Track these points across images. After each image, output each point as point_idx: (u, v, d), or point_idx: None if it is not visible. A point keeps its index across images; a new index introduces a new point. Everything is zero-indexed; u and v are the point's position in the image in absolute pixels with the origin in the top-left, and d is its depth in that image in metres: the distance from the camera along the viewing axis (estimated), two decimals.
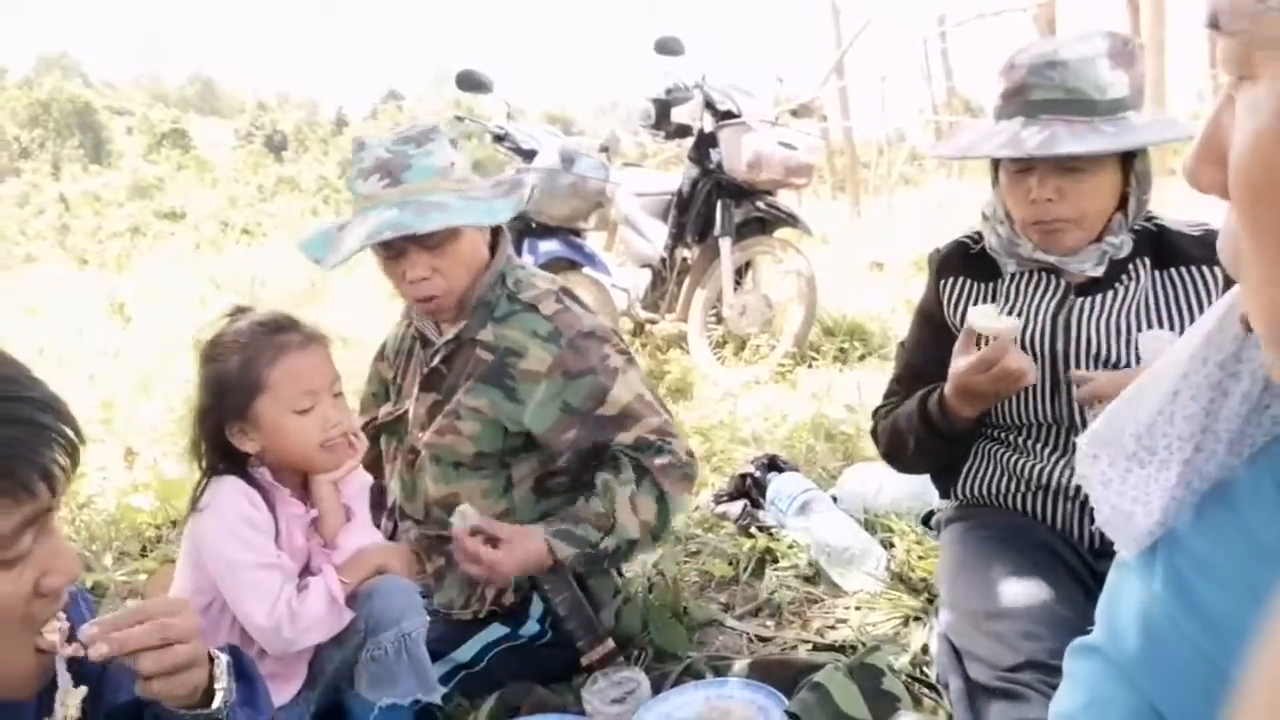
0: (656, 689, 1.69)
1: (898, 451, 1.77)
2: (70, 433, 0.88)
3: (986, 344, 1.51)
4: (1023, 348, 1.60)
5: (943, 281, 1.75)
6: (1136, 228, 1.60)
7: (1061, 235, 1.57)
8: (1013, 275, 1.68)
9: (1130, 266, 1.60)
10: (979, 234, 1.74)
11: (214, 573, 1.50)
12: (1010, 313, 1.64)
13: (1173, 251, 1.59)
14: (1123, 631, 0.69)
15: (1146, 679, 0.66)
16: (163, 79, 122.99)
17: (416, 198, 1.69)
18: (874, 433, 1.83)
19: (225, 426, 1.53)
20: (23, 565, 0.86)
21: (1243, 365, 0.64)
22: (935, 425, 1.64)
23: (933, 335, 1.76)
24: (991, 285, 1.70)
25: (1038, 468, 1.62)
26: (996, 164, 1.64)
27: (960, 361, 1.55)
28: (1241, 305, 0.59)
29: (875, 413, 1.84)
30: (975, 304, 1.68)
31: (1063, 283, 1.63)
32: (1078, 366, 1.58)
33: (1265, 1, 0.35)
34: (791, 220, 4.37)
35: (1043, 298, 1.64)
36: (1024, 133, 1.49)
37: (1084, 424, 1.58)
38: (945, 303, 1.74)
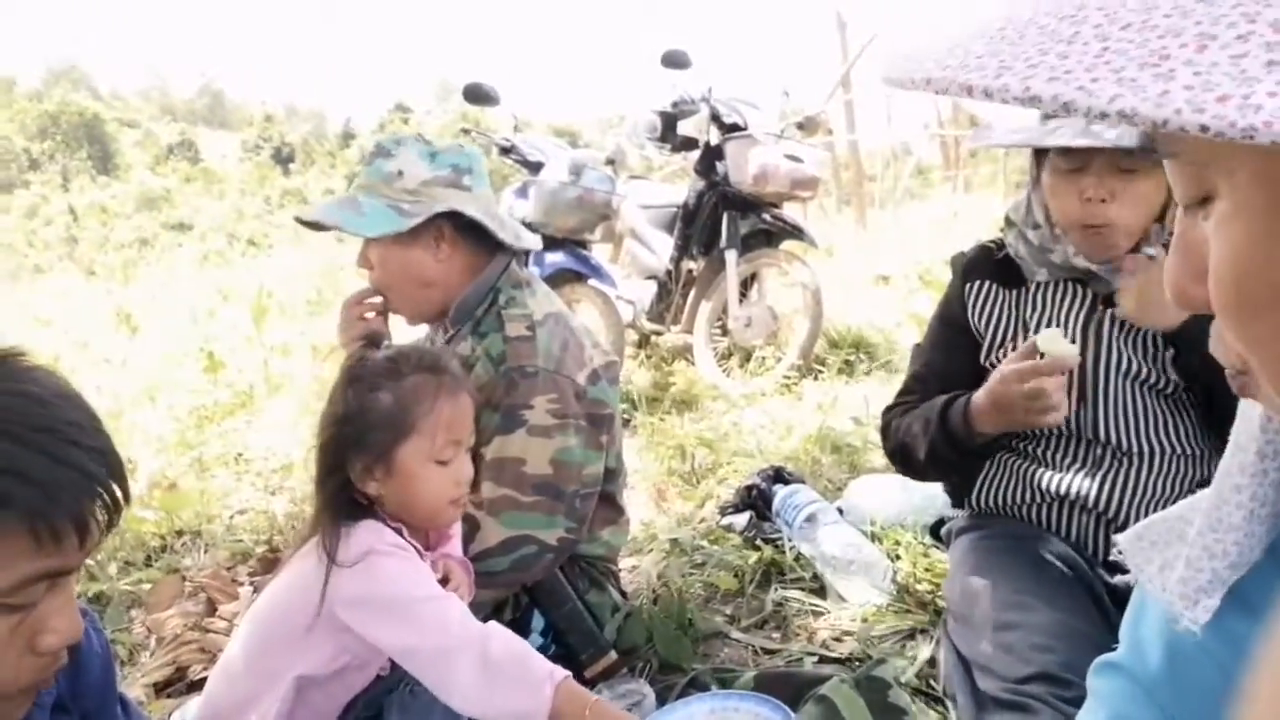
0: (661, 701, 1.68)
1: (908, 454, 1.71)
2: (118, 491, 0.85)
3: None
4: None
5: (968, 285, 1.73)
6: (1165, 240, 1.60)
7: (1106, 238, 1.54)
8: (1040, 284, 1.66)
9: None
10: (998, 241, 1.73)
11: (380, 621, 1.34)
12: (1038, 321, 1.64)
13: None
14: (1146, 649, 0.68)
15: (1169, 697, 0.66)
16: (171, 91, 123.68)
17: (354, 194, 1.82)
18: (884, 430, 1.78)
19: (350, 462, 1.38)
20: (25, 615, 0.83)
21: None
22: (954, 433, 1.60)
23: (954, 338, 1.74)
24: (1017, 292, 1.69)
25: (1056, 479, 1.61)
26: (1039, 163, 1.62)
27: (1004, 368, 1.52)
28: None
29: (887, 410, 1.79)
30: (1003, 308, 1.68)
31: (1090, 293, 1.62)
32: (1105, 378, 1.58)
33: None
34: (797, 233, 4.36)
35: (1071, 306, 1.63)
36: (1094, 127, 1.44)
37: (1106, 437, 1.57)
38: (969, 306, 1.72)
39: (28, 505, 0.78)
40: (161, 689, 1.93)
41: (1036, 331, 1.60)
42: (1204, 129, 0.32)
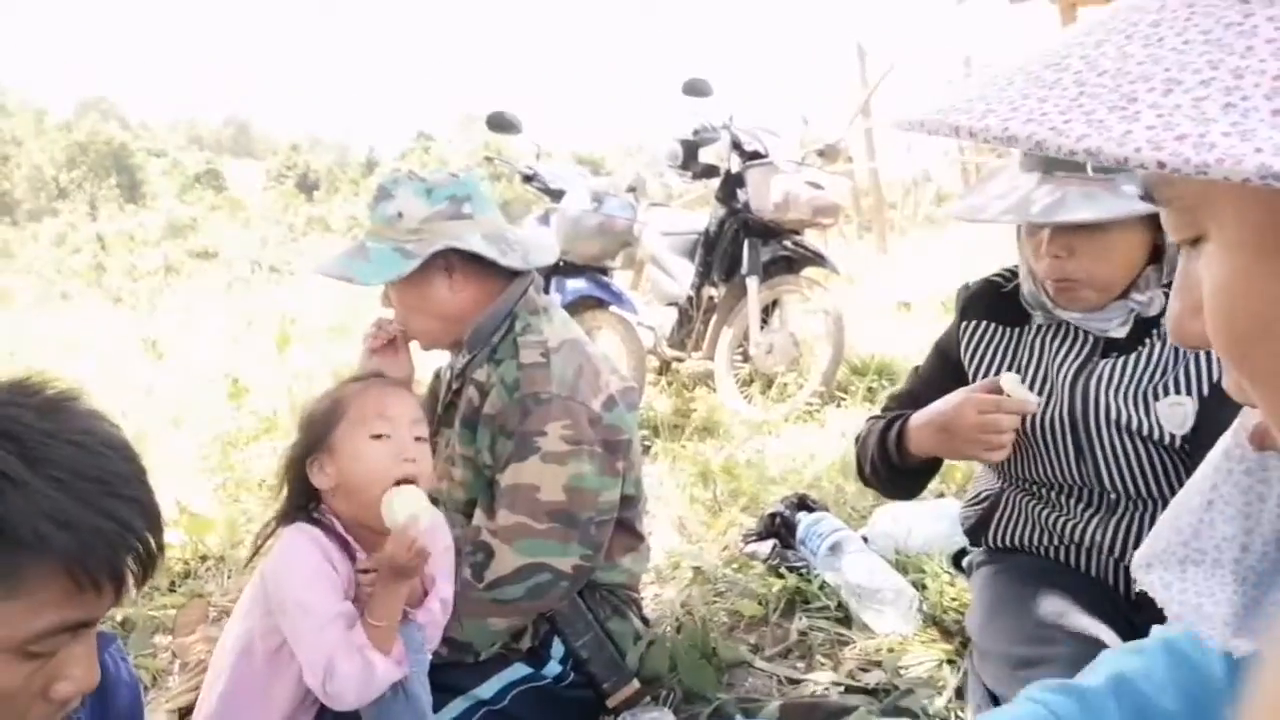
0: None
1: (859, 466, 1.75)
2: (154, 544, 0.86)
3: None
4: (1041, 417, 1.57)
5: (965, 323, 1.70)
6: (1169, 283, 1.56)
7: (1076, 293, 1.51)
8: (1039, 328, 1.63)
9: (1160, 324, 1.53)
10: (1012, 271, 1.70)
11: (279, 616, 1.48)
12: (1034, 367, 1.61)
13: None
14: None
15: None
16: (199, 122, 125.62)
17: (364, 240, 1.85)
18: (856, 439, 1.79)
19: (307, 462, 1.53)
20: (43, 663, 0.83)
21: (1271, 471, 0.66)
22: (889, 451, 1.62)
23: (942, 370, 1.73)
24: (1016, 332, 1.65)
25: (1070, 524, 1.57)
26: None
27: (966, 394, 1.52)
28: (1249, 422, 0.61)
29: (866, 422, 1.80)
30: (996, 351, 1.66)
31: (1089, 340, 1.57)
32: (1098, 430, 1.53)
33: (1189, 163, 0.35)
34: (819, 259, 4.36)
35: (1065, 356, 1.58)
36: (1036, 193, 1.43)
37: (1112, 486, 1.54)
38: (962, 344, 1.70)
39: (65, 552, 0.79)
40: (185, 715, 1.93)
41: (1031, 376, 1.60)
42: (1161, 165, 0.34)
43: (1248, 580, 0.68)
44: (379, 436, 1.51)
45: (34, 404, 0.85)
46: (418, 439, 1.56)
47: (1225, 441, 0.68)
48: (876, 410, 3.47)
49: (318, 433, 1.54)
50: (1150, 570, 0.77)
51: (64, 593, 0.80)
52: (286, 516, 1.56)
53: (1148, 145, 0.35)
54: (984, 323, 1.69)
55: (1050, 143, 0.37)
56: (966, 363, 1.69)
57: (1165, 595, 0.75)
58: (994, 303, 1.69)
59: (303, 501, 1.56)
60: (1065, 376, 1.57)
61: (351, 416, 1.53)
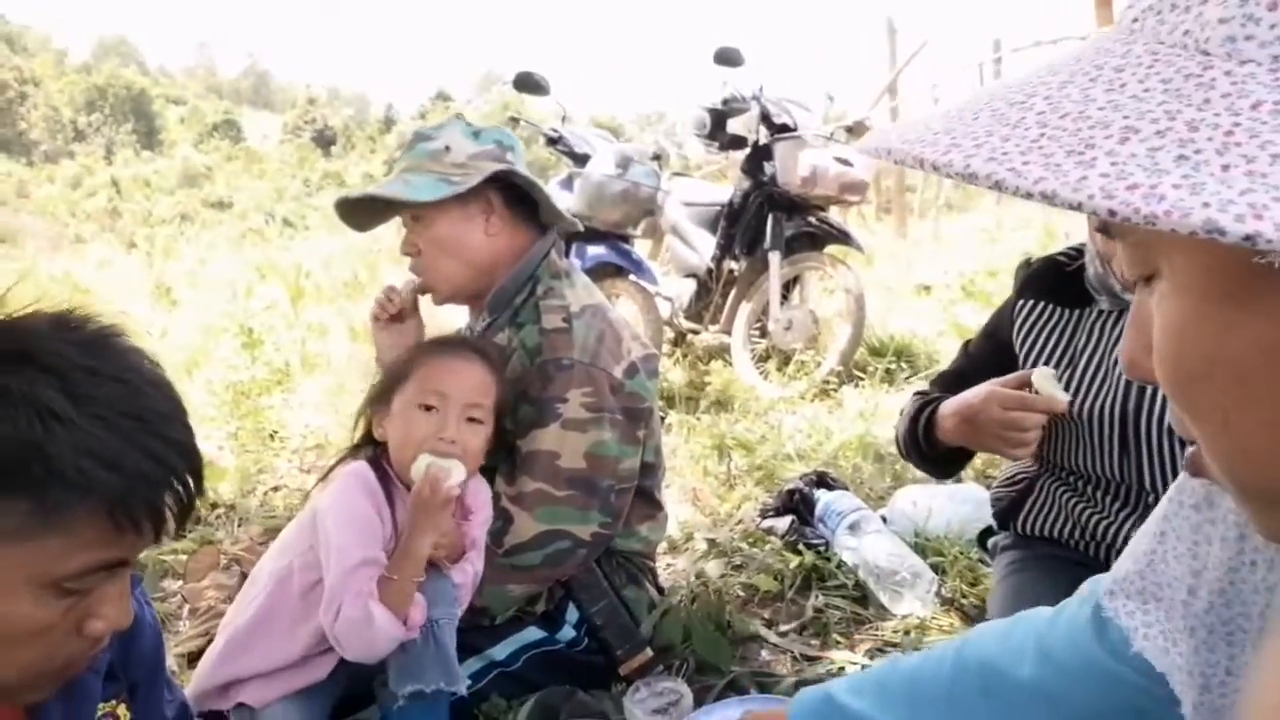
0: (699, 702, 1.65)
1: (896, 442, 1.75)
2: (193, 486, 0.86)
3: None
4: (1090, 407, 1.50)
5: (1021, 301, 1.64)
6: None
7: None
8: (1100, 313, 1.55)
9: None
10: (1077, 249, 1.62)
11: (321, 551, 1.50)
12: (1090, 352, 1.54)
13: None
14: None
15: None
16: (218, 70, 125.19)
17: (402, 175, 1.81)
18: (900, 412, 1.77)
19: (373, 411, 1.61)
20: (77, 600, 0.82)
21: (1217, 511, 0.68)
22: (917, 436, 1.61)
23: (991, 350, 1.68)
24: (1075, 314, 1.58)
25: (1104, 523, 1.52)
26: None
27: (993, 388, 1.48)
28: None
29: (911, 397, 1.78)
30: (1051, 333, 1.59)
31: None
32: (1147, 428, 1.46)
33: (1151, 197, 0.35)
34: (843, 237, 4.31)
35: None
36: None
37: (1152, 486, 1.48)
38: (1017, 323, 1.63)
39: (108, 492, 0.78)
40: (193, 659, 1.92)
41: (1086, 363, 1.54)
42: (1112, 213, 0.35)
43: (1197, 633, 0.69)
44: (428, 408, 1.53)
45: (77, 339, 0.83)
46: (470, 420, 1.56)
47: (1180, 476, 0.71)
48: (893, 392, 3.41)
49: (385, 386, 1.60)
50: (1114, 598, 0.80)
51: (103, 532, 0.79)
52: (355, 451, 1.63)
53: (1100, 193, 0.35)
54: (1042, 303, 1.62)
55: (1009, 183, 0.38)
56: (1018, 344, 1.62)
57: (1131, 623, 0.78)
58: (1055, 283, 1.61)
59: (369, 442, 1.62)
60: (1120, 371, 1.49)
61: (412, 381, 1.56)
